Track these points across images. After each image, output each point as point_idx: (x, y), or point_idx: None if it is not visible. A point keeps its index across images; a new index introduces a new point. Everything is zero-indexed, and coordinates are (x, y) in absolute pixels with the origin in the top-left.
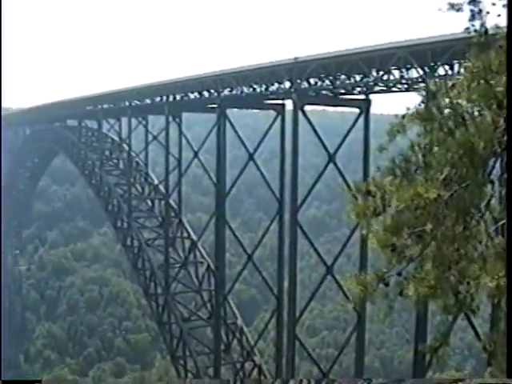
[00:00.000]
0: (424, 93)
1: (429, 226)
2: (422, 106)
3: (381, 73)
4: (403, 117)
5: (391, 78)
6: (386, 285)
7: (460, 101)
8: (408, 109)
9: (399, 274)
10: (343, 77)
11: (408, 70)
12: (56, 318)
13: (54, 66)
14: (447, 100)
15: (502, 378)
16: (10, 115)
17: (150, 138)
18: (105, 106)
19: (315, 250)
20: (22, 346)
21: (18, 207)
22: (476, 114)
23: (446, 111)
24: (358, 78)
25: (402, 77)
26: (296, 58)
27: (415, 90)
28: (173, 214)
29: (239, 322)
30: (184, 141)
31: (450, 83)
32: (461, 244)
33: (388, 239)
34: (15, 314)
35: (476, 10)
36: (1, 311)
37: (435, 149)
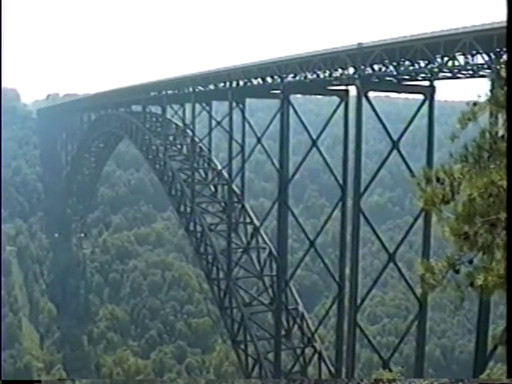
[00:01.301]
0: (492, 79)
1: (503, 215)
2: (492, 93)
3: (445, 59)
4: (475, 104)
5: (456, 64)
6: (457, 272)
7: None
8: (479, 96)
9: (470, 262)
10: (407, 63)
11: (473, 56)
12: (119, 300)
13: (118, 52)
14: None
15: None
16: (76, 101)
17: (214, 123)
18: (169, 91)
19: (377, 237)
20: (85, 328)
21: (83, 191)
22: None
23: None
24: (422, 64)
25: (467, 63)
26: (360, 44)
27: (480, 76)
28: (236, 200)
29: (300, 307)
30: (247, 126)
31: None
32: None
33: (461, 228)
34: (79, 296)
35: None
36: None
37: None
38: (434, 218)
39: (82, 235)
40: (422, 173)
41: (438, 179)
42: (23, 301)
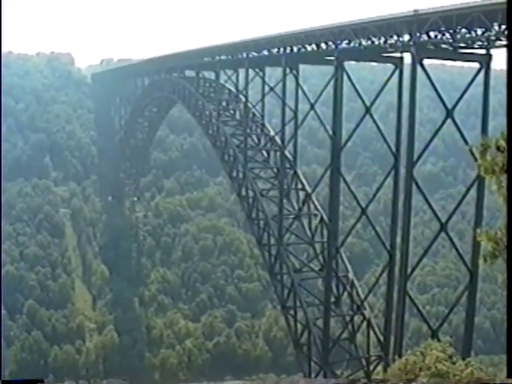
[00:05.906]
0: None
1: None
2: None
3: (503, 27)
4: None
5: None
6: None
7: None
8: None
9: None
10: (464, 30)
11: None
12: (171, 264)
13: (173, 17)
14: None
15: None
16: (130, 66)
17: (267, 89)
18: (222, 57)
19: (430, 206)
20: (137, 290)
21: (137, 156)
22: None
23: None
24: (479, 31)
25: None
26: (416, 11)
27: None
28: (288, 166)
29: (350, 275)
30: (300, 93)
31: None
32: None
33: None
34: (131, 259)
35: None
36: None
37: None
38: (487, 189)
39: (135, 199)
40: (480, 141)
41: (498, 147)
42: (76, 262)
